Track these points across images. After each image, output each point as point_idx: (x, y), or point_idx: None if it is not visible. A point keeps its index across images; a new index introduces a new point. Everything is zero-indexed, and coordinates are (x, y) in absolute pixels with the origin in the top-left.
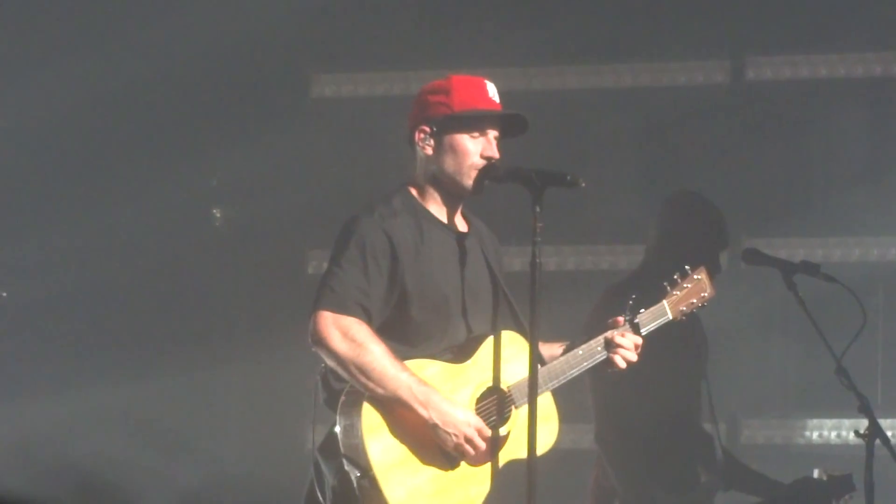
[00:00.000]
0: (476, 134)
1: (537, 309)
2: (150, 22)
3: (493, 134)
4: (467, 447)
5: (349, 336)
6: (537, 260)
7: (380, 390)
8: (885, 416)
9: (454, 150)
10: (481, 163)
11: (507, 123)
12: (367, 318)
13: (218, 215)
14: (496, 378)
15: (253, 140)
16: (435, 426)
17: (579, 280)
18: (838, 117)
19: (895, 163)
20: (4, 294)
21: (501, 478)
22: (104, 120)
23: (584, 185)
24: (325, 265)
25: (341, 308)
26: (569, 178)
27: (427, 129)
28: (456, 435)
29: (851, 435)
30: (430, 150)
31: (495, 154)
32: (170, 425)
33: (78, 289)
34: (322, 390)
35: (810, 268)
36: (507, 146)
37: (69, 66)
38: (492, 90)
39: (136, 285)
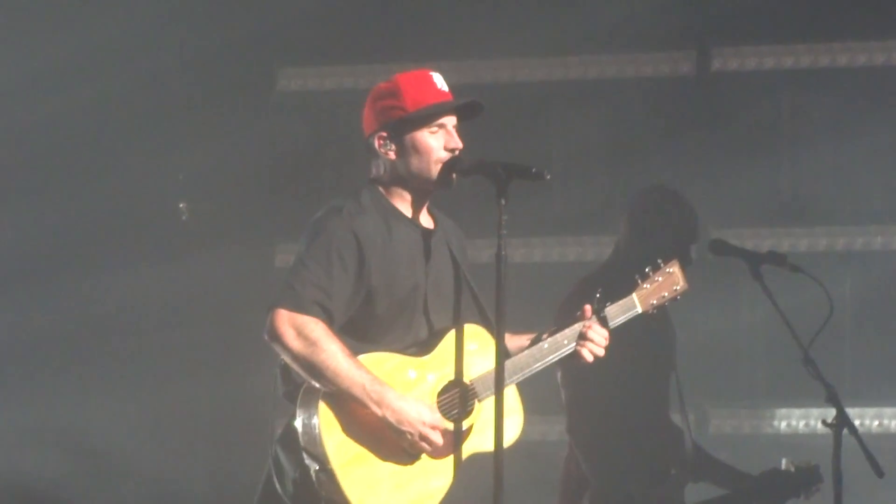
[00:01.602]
0: (435, 128)
1: (503, 301)
2: (113, 15)
3: (451, 123)
4: (423, 444)
5: (303, 334)
6: (503, 252)
7: (333, 388)
8: (853, 406)
9: (417, 150)
10: (446, 155)
11: (463, 109)
12: (327, 317)
13: (185, 209)
14: (458, 371)
15: (220, 134)
16: (390, 424)
17: (546, 272)
18: (805, 107)
19: (861, 153)
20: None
21: (465, 471)
22: (70, 115)
23: (549, 177)
24: (292, 261)
25: (298, 307)
26: (534, 170)
27: (385, 134)
28: (411, 433)
29: (819, 424)
30: (393, 155)
31: (458, 144)
32: (134, 411)
33: (42, 281)
34: (282, 383)
35: (777, 258)
36: (472, 139)
37: (33, 58)
38: (439, 80)
39: (102, 280)
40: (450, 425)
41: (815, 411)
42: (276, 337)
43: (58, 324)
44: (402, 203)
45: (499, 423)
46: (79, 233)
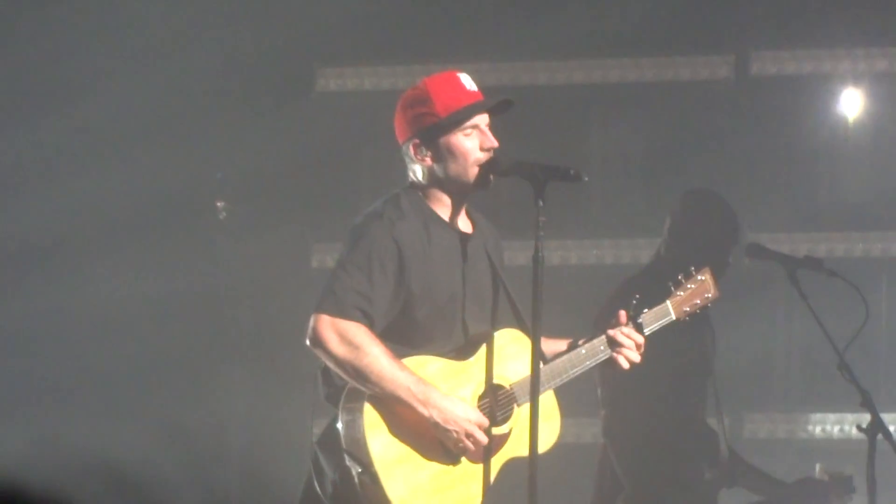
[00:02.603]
0: (469, 131)
1: (540, 304)
2: (155, 16)
3: (484, 123)
4: (468, 442)
5: (346, 339)
6: (540, 254)
7: (379, 391)
8: (888, 411)
9: (453, 154)
10: (483, 156)
11: (494, 107)
12: (368, 322)
13: (222, 208)
14: (496, 376)
15: (258, 133)
16: (436, 424)
17: (583, 275)
18: (842, 112)
19: None
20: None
21: (503, 475)
22: (112, 113)
23: (586, 179)
24: (330, 261)
25: (341, 312)
26: (572, 172)
27: (419, 141)
28: (457, 431)
29: (854, 430)
30: (429, 161)
31: (493, 143)
32: (174, 419)
33: (83, 281)
34: (323, 386)
35: (813, 263)
36: (510, 142)
37: (78, 56)
38: (467, 81)
39: (140, 278)
40: (493, 425)
41: (850, 416)
42: (319, 342)
43: (94, 316)
44: (441, 207)
45: (534, 428)
46: (119, 227)
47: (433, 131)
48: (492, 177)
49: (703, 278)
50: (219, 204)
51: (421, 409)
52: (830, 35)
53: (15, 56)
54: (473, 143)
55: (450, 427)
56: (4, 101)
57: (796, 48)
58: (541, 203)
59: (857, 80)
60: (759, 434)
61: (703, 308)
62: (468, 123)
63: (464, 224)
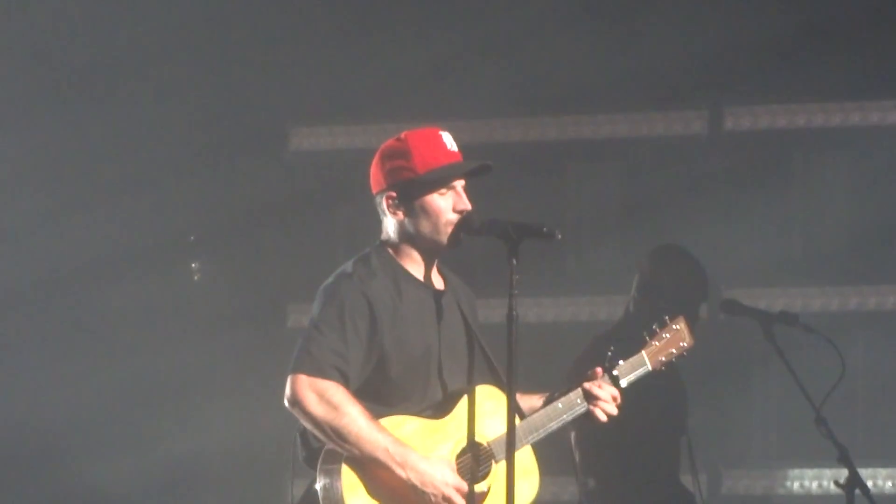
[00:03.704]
0: (444, 190)
1: (515, 361)
2: (128, 72)
3: (460, 185)
4: None
5: (325, 399)
6: (514, 312)
7: (357, 452)
8: (865, 466)
9: (426, 212)
10: (455, 217)
11: (472, 170)
12: (344, 381)
13: (196, 269)
14: (474, 433)
15: (232, 192)
16: (413, 486)
17: (559, 332)
18: (817, 166)
19: (874, 212)
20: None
21: None
22: (82, 174)
23: (560, 237)
24: (305, 321)
25: (318, 371)
26: (545, 230)
27: (394, 195)
28: (434, 494)
29: (832, 485)
30: (401, 216)
31: (467, 206)
32: (152, 478)
33: (56, 348)
34: (301, 448)
35: (789, 318)
36: (484, 198)
37: (51, 114)
38: (448, 141)
39: (114, 341)
40: (468, 487)
41: (828, 472)
42: (298, 402)
43: (79, 390)
44: (412, 264)
45: (510, 484)
46: (92, 283)
47: (409, 187)
48: (462, 236)
49: (678, 327)
50: (193, 265)
51: (399, 472)
52: (803, 89)
53: None
54: (447, 203)
55: (427, 490)
56: None
57: (770, 103)
58: (514, 262)
59: (830, 133)
60: (737, 490)
61: (680, 357)
62: (445, 184)
63: (436, 281)
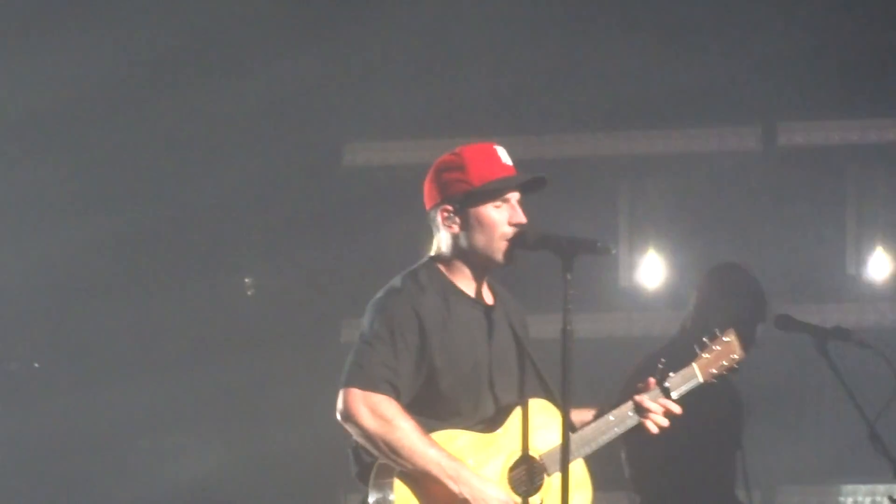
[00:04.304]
0: (499, 203)
1: (570, 376)
2: (183, 90)
3: (515, 198)
4: None
5: (378, 413)
6: (569, 327)
7: (409, 466)
8: None
9: (482, 224)
10: (510, 231)
11: (527, 184)
12: (396, 395)
13: (250, 284)
14: (528, 446)
15: (286, 208)
16: (465, 501)
17: (612, 347)
18: (871, 181)
19: None
20: (37, 365)
21: None
22: (137, 190)
23: (614, 251)
24: (356, 342)
25: (370, 385)
26: (599, 244)
27: (450, 208)
28: None
29: (886, 501)
30: (456, 228)
31: (522, 219)
32: (206, 493)
33: (109, 362)
34: (354, 463)
35: (843, 333)
36: (538, 214)
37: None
38: (503, 155)
39: (169, 356)
40: (522, 502)
41: (882, 487)
42: (351, 417)
43: (134, 403)
44: (463, 279)
45: (565, 498)
46: (149, 307)
47: (464, 199)
48: (517, 251)
49: (729, 339)
50: (247, 280)
51: (452, 486)
52: (857, 105)
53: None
54: (503, 216)
55: None
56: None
57: (823, 119)
58: (569, 276)
59: (884, 149)
60: None
61: (731, 370)
62: (500, 197)
63: (486, 296)
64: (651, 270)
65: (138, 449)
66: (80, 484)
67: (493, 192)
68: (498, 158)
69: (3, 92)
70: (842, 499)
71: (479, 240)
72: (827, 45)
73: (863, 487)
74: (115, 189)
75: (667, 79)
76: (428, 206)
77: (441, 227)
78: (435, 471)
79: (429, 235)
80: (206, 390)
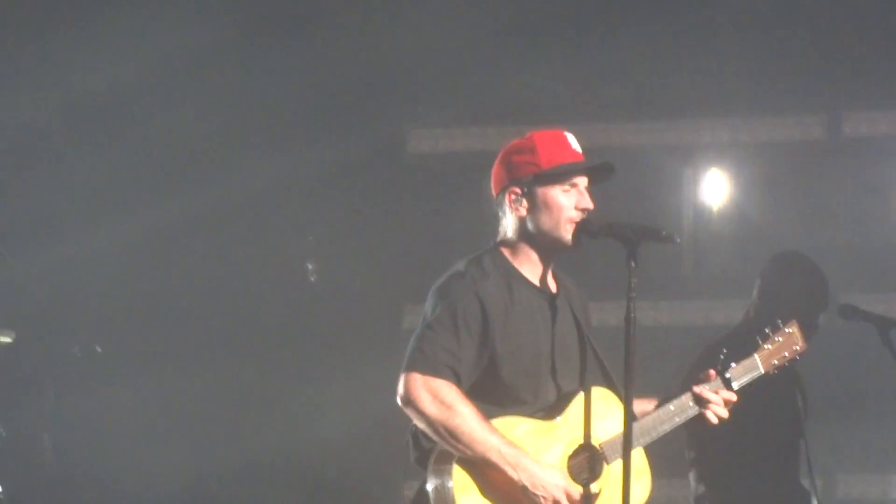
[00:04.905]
0: (567, 187)
1: (631, 365)
2: (252, 75)
3: (583, 184)
4: None
5: (439, 398)
6: (633, 315)
7: (469, 452)
8: None
9: (549, 207)
10: (577, 215)
11: (595, 171)
12: (457, 380)
13: (313, 270)
14: (587, 434)
15: (350, 194)
16: (524, 488)
17: (674, 336)
18: None
19: None
20: (99, 349)
21: None
22: (206, 180)
23: (679, 240)
24: (418, 326)
25: (431, 370)
26: (664, 233)
27: (518, 190)
28: (545, 497)
29: None
30: (523, 211)
31: (589, 204)
32: (267, 476)
33: (173, 347)
34: (413, 449)
35: None
36: (603, 201)
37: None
38: (573, 141)
39: (233, 341)
40: (579, 491)
41: None
42: (411, 401)
43: (198, 388)
44: (527, 265)
45: (626, 487)
46: (211, 292)
47: (533, 181)
48: (583, 237)
49: (791, 331)
50: (309, 266)
51: (511, 473)
52: None
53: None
54: (570, 200)
55: (539, 493)
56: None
57: (888, 108)
58: (633, 264)
59: None
60: (853, 495)
61: (792, 361)
62: (568, 181)
63: (549, 283)
64: (714, 259)
65: (198, 432)
66: (140, 467)
67: (562, 176)
68: (568, 144)
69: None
70: None
71: (546, 223)
72: (890, 33)
73: None
74: (181, 174)
75: (733, 67)
76: (496, 189)
77: (508, 209)
78: (494, 457)
79: (492, 224)
80: (270, 375)
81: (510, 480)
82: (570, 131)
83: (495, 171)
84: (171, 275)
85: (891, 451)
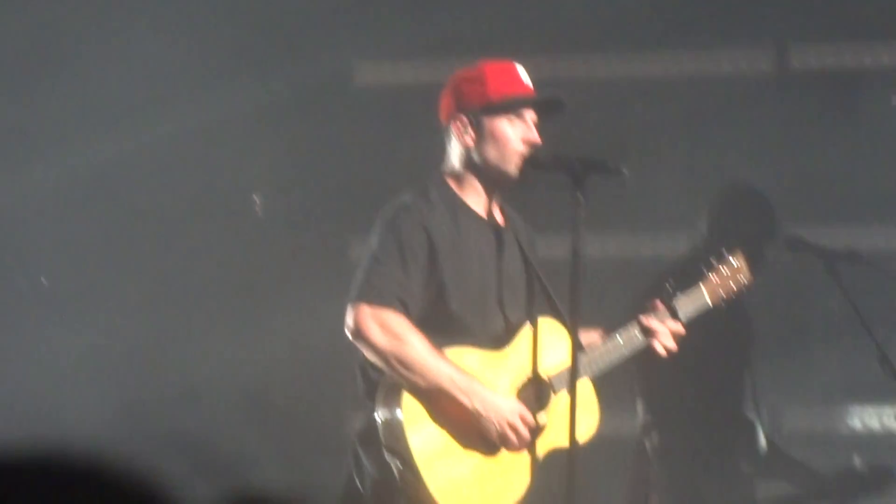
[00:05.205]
0: (515, 119)
1: (579, 296)
2: (194, 5)
3: (531, 117)
4: (511, 434)
5: (388, 329)
6: (579, 248)
7: (421, 381)
8: None
9: (495, 138)
10: (523, 148)
11: (545, 106)
12: (406, 311)
13: (259, 202)
14: (535, 366)
15: (296, 127)
16: (478, 414)
17: (622, 267)
18: (883, 106)
19: None
20: (45, 281)
21: (543, 466)
22: (150, 108)
23: (626, 172)
24: (365, 257)
25: (380, 302)
26: (611, 165)
27: (465, 119)
28: (499, 422)
29: (894, 422)
30: (469, 141)
31: (536, 138)
32: (213, 408)
33: (119, 277)
34: (361, 381)
35: (853, 256)
36: (549, 135)
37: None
38: (523, 73)
39: (179, 272)
40: (533, 417)
41: (890, 409)
42: (361, 333)
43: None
44: (473, 196)
45: (573, 418)
46: (157, 223)
47: (480, 111)
48: (529, 170)
49: (737, 262)
50: (255, 198)
51: (464, 400)
52: (870, 27)
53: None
54: (517, 132)
55: (492, 418)
56: None
57: (836, 41)
58: (580, 196)
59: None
60: (799, 427)
61: (739, 293)
62: (516, 112)
63: (495, 215)
64: (662, 192)
65: (142, 359)
66: (81, 396)
67: (510, 107)
68: (518, 76)
69: None
70: (849, 420)
71: (492, 154)
72: None
73: (870, 409)
74: (125, 107)
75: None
76: (443, 118)
77: (455, 139)
78: (447, 385)
79: (439, 156)
80: (216, 305)
81: (462, 408)
82: (520, 63)
83: (443, 101)
84: (116, 207)
85: (837, 383)
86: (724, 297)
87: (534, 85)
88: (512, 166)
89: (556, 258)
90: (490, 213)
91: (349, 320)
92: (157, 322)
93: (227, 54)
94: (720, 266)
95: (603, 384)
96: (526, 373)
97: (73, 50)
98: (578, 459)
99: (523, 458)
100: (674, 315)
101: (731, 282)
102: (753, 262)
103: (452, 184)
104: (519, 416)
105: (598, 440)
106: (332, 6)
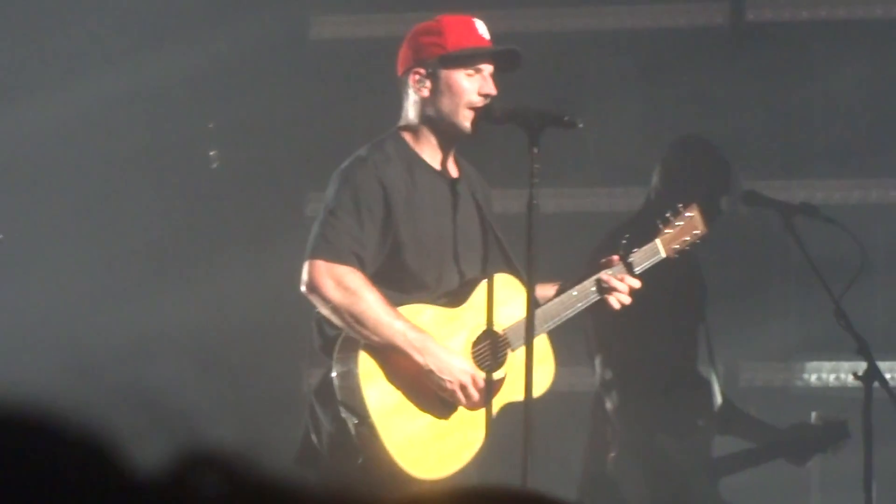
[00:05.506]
0: (471, 72)
1: (534, 251)
2: None
3: (488, 70)
4: (462, 394)
5: (343, 284)
6: (535, 202)
7: (375, 338)
8: (884, 359)
9: (451, 90)
10: (479, 101)
11: (501, 59)
12: (361, 266)
13: (215, 157)
14: (490, 321)
15: (251, 81)
16: (430, 372)
17: (578, 222)
18: (839, 59)
19: (895, 105)
20: (1, 236)
21: (499, 421)
22: (105, 63)
23: (581, 125)
24: (321, 212)
25: (335, 256)
26: (566, 118)
27: (422, 71)
28: (451, 381)
29: (850, 378)
30: (426, 93)
31: (492, 90)
32: (166, 360)
33: (75, 231)
34: (317, 336)
35: (810, 210)
36: (504, 89)
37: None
38: (481, 27)
39: (134, 227)
40: (485, 376)
41: (846, 364)
42: (315, 288)
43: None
44: (429, 149)
45: (529, 373)
46: (113, 177)
47: (437, 63)
48: (483, 123)
49: (692, 215)
50: (211, 153)
51: (417, 357)
52: None
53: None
54: (473, 85)
55: (445, 377)
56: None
57: None
58: (535, 150)
59: (853, 26)
60: (755, 382)
61: (693, 245)
62: (473, 65)
63: (451, 169)
64: (617, 146)
65: (94, 312)
66: (31, 348)
67: (466, 59)
68: (475, 30)
69: None
70: (806, 375)
71: (447, 106)
72: None
73: (827, 364)
74: (80, 61)
75: None
76: (400, 70)
77: (411, 91)
78: (400, 342)
79: (396, 111)
80: (170, 260)
81: (416, 365)
82: (475, 14)
83: (401, 53)
84: (70, 162)
85: (793, 338)
86: (679, 249)
87: (491, 39)
88: (465, 120)
89: (511, 213)
90: (445, 167)
91: (304, 275)
92: (112, 277)
93: (183, 8)
94: (675, 220)
95: (558, 340)
96: (482, 328)
97: (24, 2)
98: (535, 413)
99: (479, 413)
100: (629, 270)
101: (685, 235)
102: (709, 216)
103: (408, 138)
104: (470, 376)
105: (555, 394)
106: None
